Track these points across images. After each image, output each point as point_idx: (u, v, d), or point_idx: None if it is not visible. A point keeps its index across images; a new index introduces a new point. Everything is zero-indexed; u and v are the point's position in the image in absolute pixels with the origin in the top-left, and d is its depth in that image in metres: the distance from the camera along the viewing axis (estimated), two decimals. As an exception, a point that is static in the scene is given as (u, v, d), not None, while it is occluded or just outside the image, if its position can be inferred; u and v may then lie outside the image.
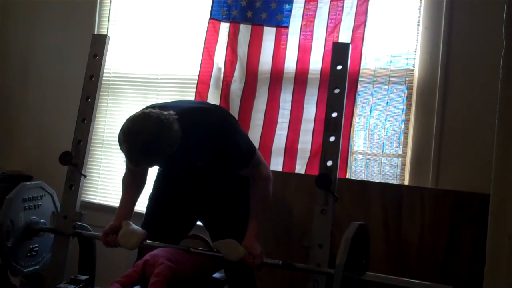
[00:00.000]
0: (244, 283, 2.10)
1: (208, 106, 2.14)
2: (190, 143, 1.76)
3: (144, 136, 1.63)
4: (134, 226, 1.91)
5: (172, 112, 1.72)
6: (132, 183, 2.03)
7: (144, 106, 1.87)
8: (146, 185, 2.09)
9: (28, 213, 2.24)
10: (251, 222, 1.91)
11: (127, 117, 1.74)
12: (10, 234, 2.14)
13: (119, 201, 2.04)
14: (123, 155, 2.05)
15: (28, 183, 2.31)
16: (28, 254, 2.26)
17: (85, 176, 2.34)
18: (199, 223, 2.19)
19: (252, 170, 1.91)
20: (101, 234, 1.97)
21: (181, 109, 1.80)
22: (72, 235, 2.23)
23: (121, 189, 2.06)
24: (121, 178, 2.07)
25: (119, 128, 1.73)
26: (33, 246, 2.29)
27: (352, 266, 1.66)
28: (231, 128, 1.92)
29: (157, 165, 1.74)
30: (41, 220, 2.30)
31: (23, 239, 2.23)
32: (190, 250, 1.92)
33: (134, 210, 2.05)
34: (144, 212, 2.15)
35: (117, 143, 1.87)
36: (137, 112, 1.72)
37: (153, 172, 2.20)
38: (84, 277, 1.99)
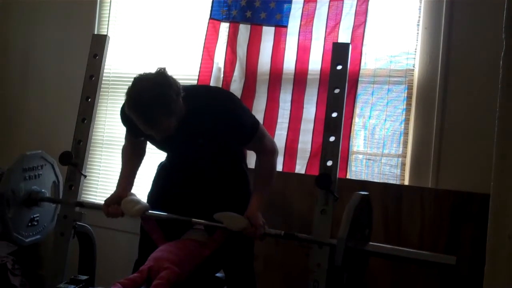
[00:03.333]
0: (244, 283, 2.10)
1: (210, 86, 2.16)
2: (192, 118, 1.78)
3: (150, 91, 1.64)
4: (139, 198, 1.94)
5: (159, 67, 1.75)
6: (133, 154, 2.05)
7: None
8: (145, 155, 2.11)
9: (29, 182, 2.21)
10: (255, 194, 1.93)
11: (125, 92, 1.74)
12: (11, 204, 2.12)
13: (118, 177, 2.07)
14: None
15: (28, 152, 2.26)
16: (29, 224, 2.24)
17: (85, 176, 2.34)
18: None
19: (256, 144, 1.93)
20: (102, 204, 1.98)
21: (185, 88, 1.82)
22: (72, 234, 2.23)
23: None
24: (121, 151, 2.09)
25: (119, 128, 1.73)
26: (34, 216, 2.26)
27: (355, 236, 1.65)
28: (235, 103, 1.94)
29: (171, 123, 1.72)
30: (42, 190, 2.27)
31: (24, 208, 2.20)
32: (192, 221, 1.92)
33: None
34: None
35: (119, 143, 1.87)
36: (142, 73, 1.73)
37: (152, 171, 2.20)
38: (84, 277, 1.98)
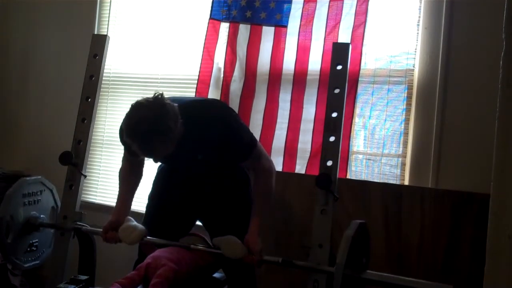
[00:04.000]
0: (244, 283, 2.10)
1: (208, 99, 2.16)
2: (191, 136, 1.77)
3: (149, 121, 1.64)
4: (135, 223, 1.93)
5: (156, 93, 1.74)
6: (130, 177, 2.05)
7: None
8: (143, 178, 2.10)
9: (28, 208, 2.24)
10: (253, 217, 1.92)
11: (123, 120, 1.75)
12: (10, 230, 2.14)
13: (116, 201, 2.05)
14: (122, 153, 2.07)
15: (27, 178, 2.30)
16: (28, 249, 2.26)
17: (85, 176, 2.34)
18: (198, 222, 2.19)
19: (253, 162, 1.93)
20: (101, 230, 1.97)
21: (181, 102, 1.82)
22: (72, 233, 2.23)
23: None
24: (118, 172, 2.08)
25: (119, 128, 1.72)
26: (33, 241, 2.29)
27: (352, 264, 1.66)
28: (232, 120, 1.93)
29: (169, 149, 1.73)
30: (41, 216, 2.29)
31: (23, 234, 2.23)
32: (190, 247, 1.92)
33: (134, 210, 2.05)
34: (144, 211, 2.15)
35: (119, 143, 1.87)
36: (139, 100, 1.73)
37: (152, 171, 2.20)
38: (84, 277, 1.98)
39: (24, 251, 2.24)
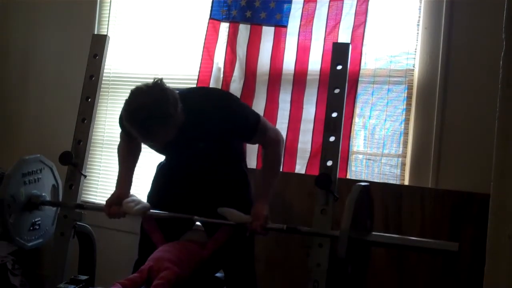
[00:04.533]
0: (244, 282, 2.10)
1: (207, 87, 2.15)
2: (192, 122, 1.78)
3: (148, 106, 1.65)
4: (139, 198, 1.96)
5: (156, 77, 1.75)
6: (129, 152, 2.06)
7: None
8: (142, 178, 2.11)
9: (29, 187, 2.23)
10: (263, 186, 1.95)
11: (123, 106, 1.75)
12: (12, 209, 2.13)
13: (117, 177, 2.08)
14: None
15: (26, 157, 2.26)
16: (31, 228, 2.25)
17: (85, 176, 2.34)
18: (197, 223, 2.18)
19: (260, 138, 1.94)
20: (104, 205, 1.99)
21: (183, 90, 1.84)
22: (72, 234, 2.23)
23: None
24: (116, 149, 2.10)
25: (119, 128, 1.72)
26: (35, 220, 2.27)
27: (357, 227, 1.65)
28: (233, 101, 1.96)
29: (169, 134, 1.73)
30: (42, 194, 2.28)
31: (25, 213, 2.21)
32: (194, 218, 1.94)
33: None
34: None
35: (117, 143, 1.87)
36: (139, 85, 1.74)
37: (151, 171, 2.20)
38: (84, 277, 1.99)
39: (27, 230, 2.23)
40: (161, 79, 1.74)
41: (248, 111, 1.96)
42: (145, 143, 1.81)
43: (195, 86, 2.76)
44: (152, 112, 1.65)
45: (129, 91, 3.10)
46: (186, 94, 1.83)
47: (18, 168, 2.19)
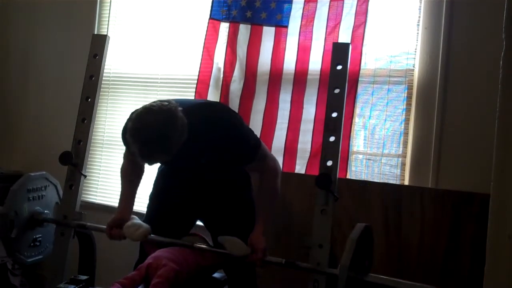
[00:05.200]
0: (245, 283, 2.10)
1: (212, 102, 2.15)
2: (195, 139, 1.76)
3: (153, 130, 1.62)
4: (140, 221, 1.94)
5: (173, 101, 1.72)
6: (132, 174, 2.04)
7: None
8: (144, 174, 2.10)
9: (32, 203, 2.25)
10: (258, 218, 1.92)
11: (130, 116, 1.74)
12: (14, 225, 2.14)
13: (119, 199, 2.05)
14: (122, 154, 2.07)
15: (32, 174, 2.30)
16: (32, 244, 2.26)
17: (85, 176, 2.34)
18: (199, 222, 2.19)
19: (258, 163, 1.91)
20: (105, 227, 1.98)
21: (186, 105, 1.80)
22: (73, 234, 2.23)
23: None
24: (119, 170, 2.08)
25: (119, 128, 1.72)
26: (37, 236, 2.29)
27: (356, 267, 1.66)
28: (236, 122, 1.92)
29: (168, 159, 1.72)
30: (45, 211, 2.30)
31: (27, 229, 2.23)
32: (194, 246, 1.92)
33: (134, 210, 2.05)
34: (145, 211, 2.15)
35: (119, 143, 1.86)
36: (138, 109, 1.71)
37: (153, 171, 2.20)
38: (84, 277, 1.98)
39: (27, 246, 2.24)
40: (176, 105, 1.69)
41: (249, 136, 1.91)
42: (142, 161, 1.78)
43: (195, 88, 2.76)
44: (155, 135, 1.62)
45: (129, 90, 3.14)
46: (189, 109, 1.78)
47: (23, 184, 2.23)
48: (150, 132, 1.63)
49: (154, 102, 1.73)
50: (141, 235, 1.90)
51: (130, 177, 2.04)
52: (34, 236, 2.28)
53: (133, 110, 1.78)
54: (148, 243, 1.98)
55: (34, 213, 2.25)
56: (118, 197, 2.05)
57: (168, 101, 1.73)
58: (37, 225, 2.27)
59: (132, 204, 2.03)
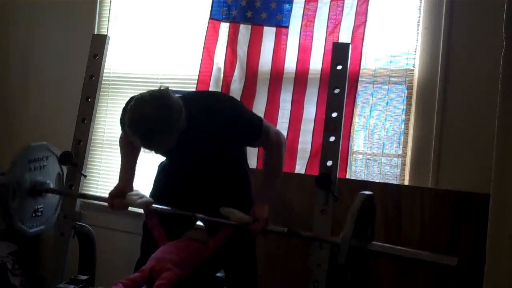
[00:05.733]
0: (245, 283, 2.10)
1: (212, 92, 2.18)
2: (194, 126, 1.77)
3: (149, 117, 1.64)
4: (142, 193, 1.97)
5: (163, 86, 1.74)
6: (131, 147, 2.04)
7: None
8: (144, 172, 2.11)
9: (34, 173, 2.22)
10: (264, 187, 1.96)
11: (127, 102, 1.76)
12: (16, 195, 2.13)
13: (119, 170, 2.08)
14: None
15: (33, 144, 2.26)
16: (33, 214, 2.24)
17: (85, 176, 2.34)
18: (199, 223, 2.19)
19: (263, 140, 1.94)
20: (107, 197, 1.99)
21: (187, 93, 1.86)
22: (72, 234, 2.23)
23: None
24: (118, 141, 2.10)
25: (120, 128, 1.71)
26: (38, 206, 2.27)
27: (358, 235, 1.65)
28: (236, 104, 1.96)
29: (171, 142, 1.73)
30: (47, 181, 2.28)
31: (28, 199, 2.21)
32: (196, 215, 1.94)
33: (134, 210, 2.05)
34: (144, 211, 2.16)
35: (117, 143, 1.87)
36: (144, 93, 1.71)
37: (153, 171, 2.20)
38: (84, 277, 1.99)
39: (29, 216, 2.22)
40: (166, 87, 1.72)
41: (251, 115, 1.95)
42: (145, 150, 1.80)
43: (195, 88, 2.76)
44: (155, 124, 1.64)
45: (129, 90, 3.14)
46: (189, 98, 1.82)
47: (24, 154, 2.19)
48: (149, 122, 1.64)
49: (142, 92, 1.73)
50: (143, 203, 1.91)
51: (130, 149, 2.05)
52: (36, 207, 2.25)
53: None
54: (150, 215, 1.98)
55: (36, 183, 2.22)
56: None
57: (158, 88, 1.74)
58: (39, 195, 2.24)
59: (133, 175, 2.05)
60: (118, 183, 2.01)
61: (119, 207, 1.96)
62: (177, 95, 1.75)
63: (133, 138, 1.70)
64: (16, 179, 2.13)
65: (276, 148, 1.97)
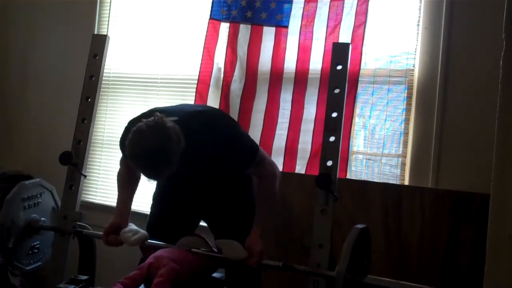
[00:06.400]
0: (246, 283, 2.10)
1: (209, 109, 2.16)
2: (192, 147, 1.75)
3: (150, 151, 1.61)
4: (137, 228, 1.94)
5: (156, 112, 1.71)
6: (129, 180, 2.04)
7: (144, 106, 1.87)
8: (141, 180, 2.09)
9: (28, 211, 2.26)
10: (256, 221, 1.91)
11: (126, 129, 1.75)
12: (11, 234, 2.15)
13: (116, 204, 2.04)
14: (120, 155, 2.07)
15: (26, 182, 2.30)
16: (30, 252, 2.27)
17: (85, 176, 2.34)
18: (203, 223, 2.18)
19: (256, 168, 1.91)
20: (101, 233, 1.97)
21: (184, 113, 1.81)
22: (72, 234, 2.23)
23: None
24: (116, 175, 2.07)
25: (119, 128, 1.70)
26: (34, 243, 2.30)
27: (354, 268, 1.66)
28: (234, 129, 1.93)
29: (173, 170, 1.72)
30: (42, 218, 2.30)
31: (24, 237, 2.24)
32: (191, 250, 1.92)
33: (135, 211, 2.05)
34: (146, 212, 2.16)
35: (118, 144, 1.86)
36: (140, 125, 1.66)
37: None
38: (84, 277, 1.99)
39: (25, 254, 2.25)
40: (161, 117, 1.67)
41: (247, 141, 1.91)
42: (148, 179, 1.79)
43: (196, 88, 2.75)
44: (156, 156, 1.62)
45: (129, 90, 3.14)
46: (185, 119, 1.78)
47: (18, 193, 2.23)
48: (148, 154, 1.62)
49: (139, 124, 1.67)
50: (138, 239, 1.89)
51: (127, 184, 2.03)
52: (32, 244, 2.29)
53: (133, 110, 1.77)
54: (146, 248, 1.98)
55: (31, 221, 2.26)
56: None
57: (151, 112, 1.72)
58: (34, 233, 2.27)
59: (129, 210, 2.01)
60: (114, 218, 1.97)
61: (114, 244, 1.94)
62: (170, 118, 1.70)
63: (136, 170, 1.73)
64: (11, 219, 2.16)
65: (270, 179, 1.92)
